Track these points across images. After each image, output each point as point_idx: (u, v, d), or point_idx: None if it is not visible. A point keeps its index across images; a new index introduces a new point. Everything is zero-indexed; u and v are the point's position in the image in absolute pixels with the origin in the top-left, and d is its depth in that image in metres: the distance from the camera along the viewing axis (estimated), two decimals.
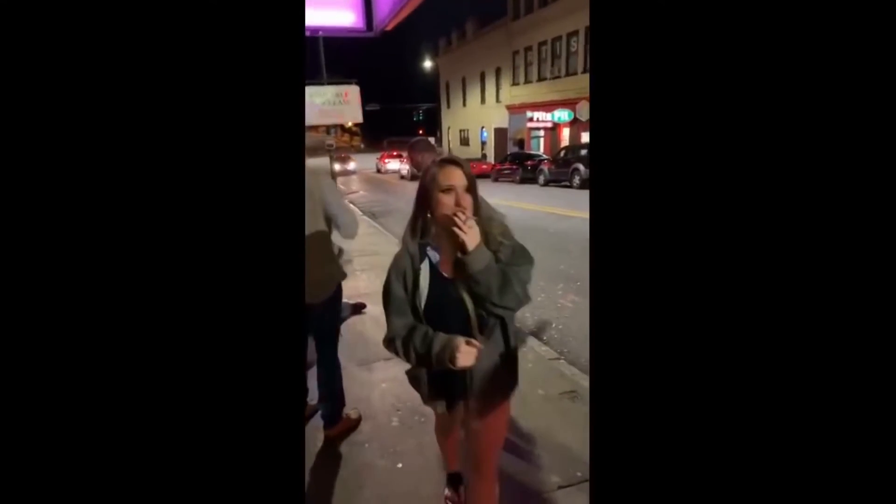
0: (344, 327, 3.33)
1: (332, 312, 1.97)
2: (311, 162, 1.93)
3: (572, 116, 17.13)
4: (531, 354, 2.83)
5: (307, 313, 1.89)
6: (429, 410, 2.26)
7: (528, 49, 20.23)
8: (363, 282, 4.25)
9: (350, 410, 2.19)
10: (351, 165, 21.62)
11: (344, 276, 1.99)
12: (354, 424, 2.15)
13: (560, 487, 1.71)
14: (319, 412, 2.07)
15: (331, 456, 1.94)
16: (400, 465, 1.89)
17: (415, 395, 2.40)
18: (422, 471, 1.85)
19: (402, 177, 19.03)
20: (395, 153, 22.84)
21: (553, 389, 2.40)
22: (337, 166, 19.19)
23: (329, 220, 1.86)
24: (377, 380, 2.59)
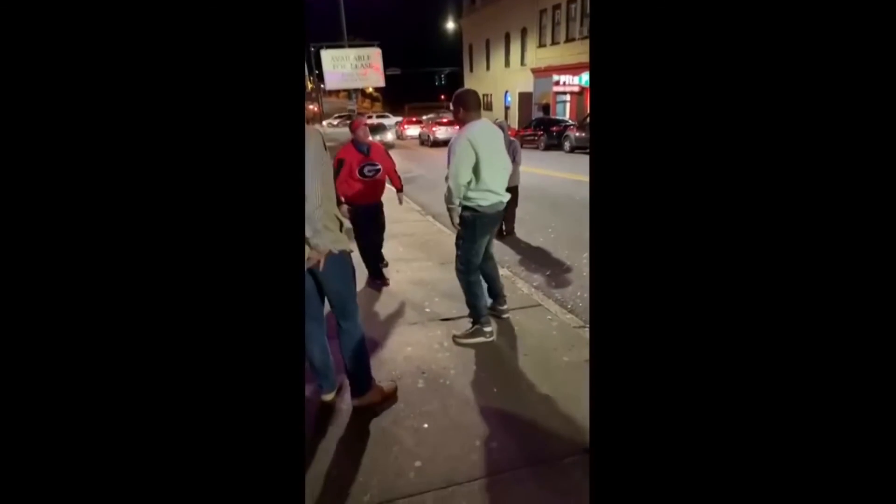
0: (368, 293, 3.39)
1: (339, 277, 1.85)
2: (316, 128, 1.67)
3: None
4: (556, 322, 2.84)
5: (314, 284, 1.83)
6: (452, 374, 2.32)
7: (556, 7, 19.29)
8: (386, 249, 4.29)
9: (385, 382, 2.14)
10: (388, 136, 17.00)
11: (336, 248, 1.75)
12: (388, 397, 2.07)
13: (585, 451, 1.74)
14: (347, 383, 2.04)
15: (360, 416, 2.01)
16: (426, 426, 1.95)
17: (439, 359, 2.47)
18: (447, 431, 1.91)
19: (423, 143, 18.74)
20: (414, 119, 22.38)
21: (577, 356, 2.41)
22: (369, 137, 17.84)
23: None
24: (402, 344, 2.65)
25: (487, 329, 2.62)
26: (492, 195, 2.37)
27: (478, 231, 2.44)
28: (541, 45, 20.70)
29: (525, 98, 22.22)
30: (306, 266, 1.67)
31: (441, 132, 17.12)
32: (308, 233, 1.57)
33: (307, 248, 1.63)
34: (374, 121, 20.35)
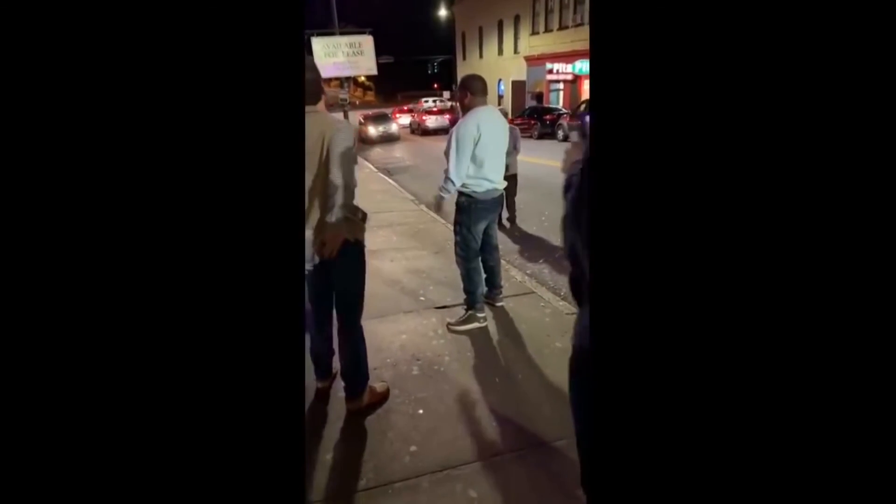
0: None
1: (351, 275, 1.81)
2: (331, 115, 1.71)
3: None
4: (549, 309, 2.86)
5: (326, 276, 1.79)
6: (446, 361, 2.35)
7: None
8: (380, 238, 4.29)
9: (377, 383, 2.08)
10: (392, 127, 16.20)
11: (353, 236, 1.74)
12: (380, 399, 2.03)
13: None
14: (343, 384, 1.97)
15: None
16: (421, 412, 1.97)
17: (433, 346, 2.49)
18: (441, 416, 1.93)
19: (413, 131, 18.60)
20: (406, 108, 22.17)
21: (569, 342, 2.43)
22: (372, 129, 15.49)
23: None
24: (397, 331, 2.66)
25: (481, 315, 2.64)
26: (486, 182, 2.38)
27: (473, 216, 2.45)
28: (534, 32, 20.53)
29: (518, 86, 22.09)
30: (323, 254, 1.65)
31: (431, 121, 17.19)
32: (333, 217, 1.60)
33: (325, 234, 1.63)
34: (375, 111, 19.50)
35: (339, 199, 1.58)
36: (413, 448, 1.76)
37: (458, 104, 2.44)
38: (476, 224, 2.48)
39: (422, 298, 3.09)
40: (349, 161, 1.61)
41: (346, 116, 10.47)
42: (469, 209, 2.44)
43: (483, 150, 2.29)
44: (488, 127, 2.29)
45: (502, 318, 2.78)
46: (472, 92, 2.31)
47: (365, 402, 1.98)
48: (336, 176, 1.57)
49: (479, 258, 2.60)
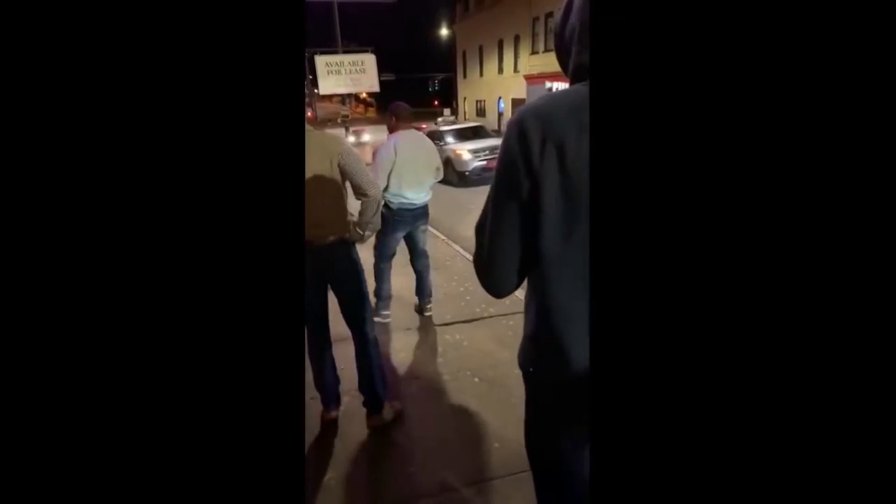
0: None
1: (354, 282, 1.84)
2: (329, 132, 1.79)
3: None
4: None
5: (322, 291, 1.81)
6: (446, 380, 2.32)
7: (548, 15, 19.51)
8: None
9: (392, 401, 2.05)
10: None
11: (354, 236, 1.85)
12: (398, 414, 2.02)
13: None
14: (362, 400, 1.93)
15: (353, 423, 2.00)
16: (420, 431, 1.94)
17: (433, 364, 2.47)
18: (440, 436, 1.90)
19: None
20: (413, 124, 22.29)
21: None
22: (466, 154, 8.46)
23: (343, 180, 1.75)
24: (396, 349, 2.64)
25: (384, 312, 2.98)
26: (402, 198, 2.73)
27: (389, 226, 2.81)
28: (534, 52, 20.89)
29: (518, 104, 22.29)
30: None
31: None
32: (369, 226, 1.85)
33: (356, 230, 1.84)
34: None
35: (373, 204, 1.81)
36: (411, 469, 1.73)
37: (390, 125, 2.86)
38: (391, 233, 2.85)
39: (420, 315, 3.07)
40: (366, 171, 1.79)
41: (346, 132, 10.58)
42: (386, 220, 2.77)
43: (399, 170, 2.65)
44: (405, 150, 2.66)
45: (504, 335, 2.76)
46: (396, 118, 2.72)
47: (387, 417, 1.95)
48: (368, 187, 1.77)
49: (390, 263, 2.99)
